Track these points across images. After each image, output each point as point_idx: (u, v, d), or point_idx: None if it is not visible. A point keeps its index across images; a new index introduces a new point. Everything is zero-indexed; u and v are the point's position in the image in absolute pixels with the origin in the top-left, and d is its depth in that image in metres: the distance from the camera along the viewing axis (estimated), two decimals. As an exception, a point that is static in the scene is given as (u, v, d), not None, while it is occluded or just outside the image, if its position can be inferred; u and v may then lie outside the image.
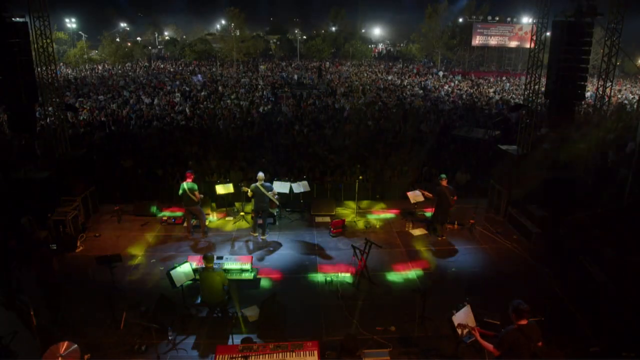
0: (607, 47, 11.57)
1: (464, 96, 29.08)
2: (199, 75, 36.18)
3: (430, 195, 10.50)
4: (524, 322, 4.91)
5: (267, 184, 10.14)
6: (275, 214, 11.10)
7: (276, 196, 10.25)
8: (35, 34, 10.66)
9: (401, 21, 65.78)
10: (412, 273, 8.96)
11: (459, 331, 5.73)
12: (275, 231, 10.72)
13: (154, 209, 11.53)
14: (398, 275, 8.87)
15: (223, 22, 59.81)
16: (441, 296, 7.67)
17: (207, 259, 7.18)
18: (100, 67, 45.74)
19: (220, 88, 29.74)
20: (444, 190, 10.09)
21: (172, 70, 44.26)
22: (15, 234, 9.25)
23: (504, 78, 41.59)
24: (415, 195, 11.07)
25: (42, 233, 9.61)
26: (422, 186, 11.40)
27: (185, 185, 9.87)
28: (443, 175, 10.22)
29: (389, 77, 39.33)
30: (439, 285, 8.46)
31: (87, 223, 10.88)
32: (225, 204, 11.64)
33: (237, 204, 11.77)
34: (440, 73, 43.58)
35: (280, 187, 11.10)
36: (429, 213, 11.49)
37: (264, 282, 8.58)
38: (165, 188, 12.17)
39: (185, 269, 7.53)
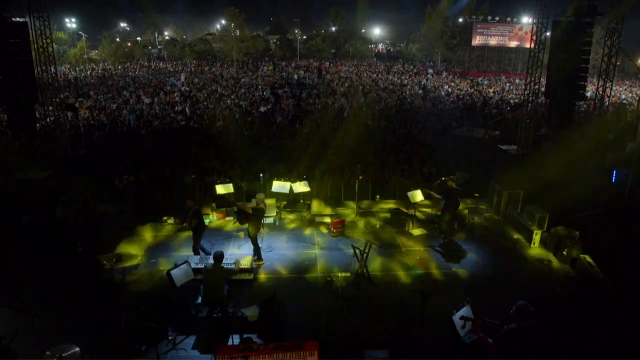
0: (607, 47, 11.58)
1: (464, 96, 29.06)
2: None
3: (438, 196, 10.38)
4: (528, 324, 4.80)
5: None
6: (275, 214, 11.08)
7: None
8: (35, 34, 10.67)
9: (401, 21, 65.92)
10: (412, 273, 8.96)
11: (462, 322, 5.72)
12: (276, 231, 10.71)
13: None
14: (398, 276, 8.87)
15: (223, 22, 59.73)
16: (441, 296, 7.66)
17: (216, 257, 7.19)
18: (100, 67, 45.68)
19: (219, 89, 29.70)
20: (452, 192, 10.02)
21: (172, 70, 44.22)
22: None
23: (503, 77, 41.55)
24: (415, 195, 11.05)
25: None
26: (422, 187, 11.35)
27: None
28: (453, 177, 10.15)
29: (390, 77, 39.28)
30: (439, 285, 8.46)
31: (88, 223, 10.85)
32: (225, 204, 11.62)
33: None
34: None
35: (280, 187, 11.09)
36: (428, 213, 11.48)
37: (264, 282, 8.58)
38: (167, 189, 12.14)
39: (185, 269, 7.52)
